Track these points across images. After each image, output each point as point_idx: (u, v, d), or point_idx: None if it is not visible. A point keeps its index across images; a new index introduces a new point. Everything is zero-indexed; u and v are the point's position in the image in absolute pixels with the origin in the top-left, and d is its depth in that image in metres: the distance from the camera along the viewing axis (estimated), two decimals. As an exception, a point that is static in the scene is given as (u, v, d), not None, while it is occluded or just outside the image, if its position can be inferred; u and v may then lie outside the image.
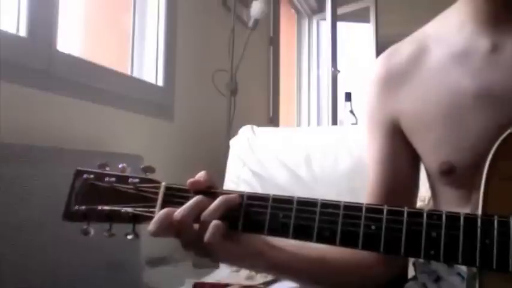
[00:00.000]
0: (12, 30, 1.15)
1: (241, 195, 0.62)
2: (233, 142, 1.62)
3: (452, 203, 0.72)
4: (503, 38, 0.69)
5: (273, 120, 2.85)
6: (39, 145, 1.05)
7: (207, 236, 0.58)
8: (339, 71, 3.27)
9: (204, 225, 0.59)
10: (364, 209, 0.57)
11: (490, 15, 0.69)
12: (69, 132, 1.23)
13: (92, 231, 0.65)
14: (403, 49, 0.78)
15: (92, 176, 0.66)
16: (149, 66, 1.72)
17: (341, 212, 0.58)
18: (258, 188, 1.51)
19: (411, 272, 0.83)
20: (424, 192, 0.84)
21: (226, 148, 1.64)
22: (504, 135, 0.58)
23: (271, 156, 1.52)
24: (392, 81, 0.77)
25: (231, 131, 1.81)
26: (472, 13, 0.71)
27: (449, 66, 0.71)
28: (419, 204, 1.08)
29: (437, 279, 0.74)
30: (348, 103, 2.90)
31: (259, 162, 1.53)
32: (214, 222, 0.59)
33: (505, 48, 0.68)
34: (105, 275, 1.09)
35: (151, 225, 0.60)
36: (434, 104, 0.71)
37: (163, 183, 0.64)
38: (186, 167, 1.77)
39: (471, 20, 0.71)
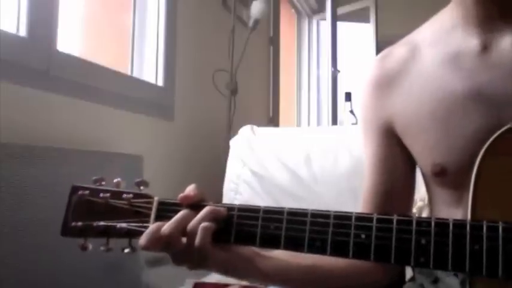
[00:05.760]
0: (12, 30, 1.14)
1: (232, 207, 0.62)
2: (233, 142, 1.62)
3: (447, 204, 0.72)
4: (492, 38, 0.69)
5: (273, 120, 2.85)
6: (39, 145, 1.05)
7: (197, 240, 0.59)
8: (339, 71, 3.26)
9: (192, 235, 0.60)
10: (353, 218, 0.57)
11: (480, 16, 0.69)
12: (69, 132, 1.23)
13: (90, 246, 0.66)
14: (396, 52, 0.78)
15: (87, 192, 0.67)
16: (149, 66, 1.72)
17: (331, 221, 0.58)
18: (258, 188, 1.51)
19: (409, 273, 0.83)
20: (424, 192, 0.84)
21: (226, 148, 1.64)
22: (493, 137, 0.58)
23: (271, 156, 1.52)
24: (385, 84, 0.77)
25: (231, 131, 1.82)
26: (463, 15, 0.71)
27: (440, 68, 0.71)
28: (419, 204, 1.08)
29: (435, 280, 0.74)
30: (348, 103, 2.90)
31: (259, 162, 1.53)
32: (203, 224, 0.60)
33: (494, 48, 0.68)
34: (105, 275, 1.09)
35: (142, 239, 0.61)
36: (426, 107, 0.71)
37: (156, 198, 0.65)
38: (186, 167, 1.78)
39: (462, 22, 0.71)
